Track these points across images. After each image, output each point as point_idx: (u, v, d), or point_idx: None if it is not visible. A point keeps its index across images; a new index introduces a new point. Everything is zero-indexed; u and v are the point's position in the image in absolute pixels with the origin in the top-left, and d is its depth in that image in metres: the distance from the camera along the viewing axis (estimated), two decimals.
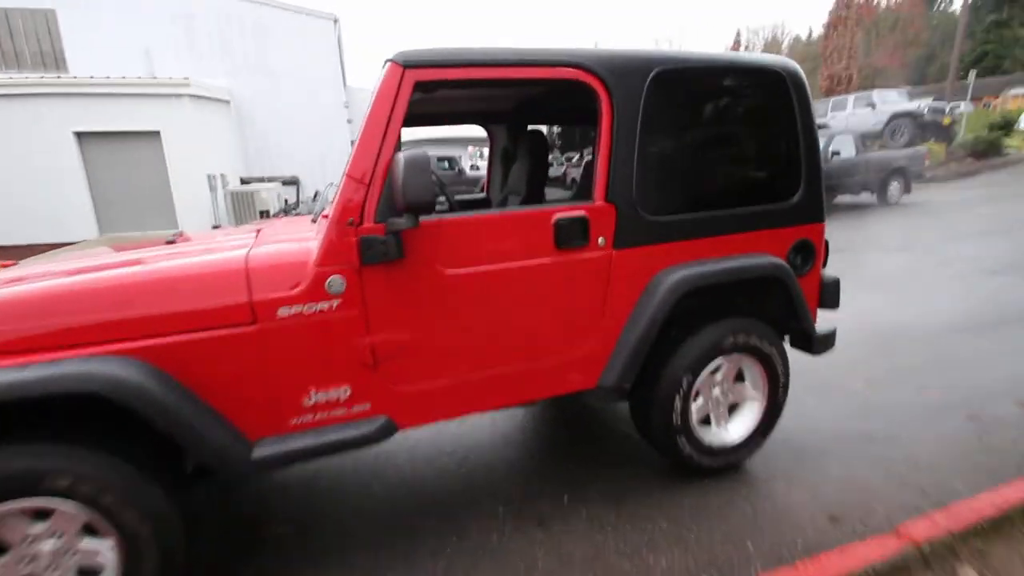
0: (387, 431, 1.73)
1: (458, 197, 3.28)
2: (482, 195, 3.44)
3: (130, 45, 12.97)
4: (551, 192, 3.11)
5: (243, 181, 13.27)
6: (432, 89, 1.75)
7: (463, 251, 1.73)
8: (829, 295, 2.40)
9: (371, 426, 1.70)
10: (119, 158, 11.66)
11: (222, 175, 12.29)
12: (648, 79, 1.88)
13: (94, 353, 1.41)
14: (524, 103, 2.91)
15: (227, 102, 13.71)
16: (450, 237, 1.71)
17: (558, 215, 1.82)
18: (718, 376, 2.19)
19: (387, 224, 1.59)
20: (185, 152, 11.67)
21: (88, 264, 1.75)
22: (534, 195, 2.84)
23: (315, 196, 6.82)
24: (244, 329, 1.54)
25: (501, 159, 3.29)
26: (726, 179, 2.14)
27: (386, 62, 1.64)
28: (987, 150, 14.91)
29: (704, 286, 1.98)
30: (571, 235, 1.85)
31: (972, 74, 20.92)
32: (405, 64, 1.61)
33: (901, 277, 5.38)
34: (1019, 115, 18.01)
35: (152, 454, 1.56)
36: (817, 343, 2.36)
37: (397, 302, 1.68)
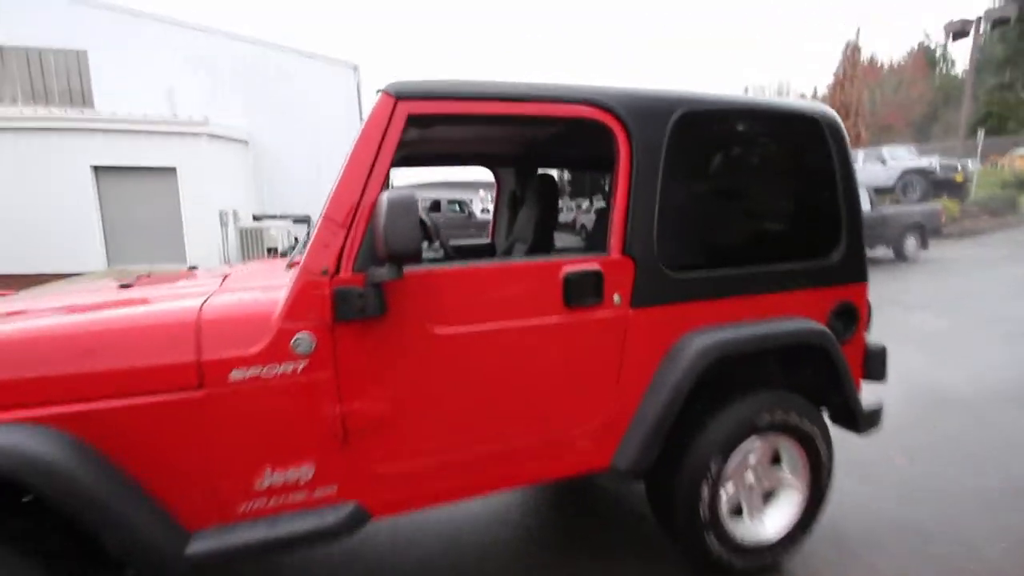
0: (356, 521, 1.43)
1: (459, 242, 3.08)
2: (487, 241, 3.23)
3: (155, 85, 13.37)
4: (560, 238, 2.90)
5: (255, 218, 13.33)
6: (428, 124, 1.56)
7: (457, 307, 1.49)
8: (875, 365, 2.11)
9: (337, 515, 1.41)
10: (134, 192, 11.81)
11: (234, 211, 12.38)
12: (672, 121, 1.68)
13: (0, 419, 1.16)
14: (534, 145, 2.74)
15: (245, 142, 13.99)
16: (442, 290, 1.47)
17: (568, 268, 1.58)
18: (751, 458, 1.88)
19: (367, 274, 1.35)
20: (199, 188, 11.79)
21: (38, 305, 1.52)
22: (542, 243, 2.62)
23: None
24: (188, 394, 1.29)
25: (508, 204, 3.10)
26: (758, 233, 1.91)
27: (378, 92, 1.45)
28: (1002, 208, 14.76)
29: (736, 354, 1.71)
30: (583, 291, 1.60)
31: (981, 133, 21.06)
32: (398, 95, 1.42)
33: (932, 338, 5.05)
34: None
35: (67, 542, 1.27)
36: (862, 420, 2.06)
37: (376, 365, 1.42)
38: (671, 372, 1.69)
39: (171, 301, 1.44)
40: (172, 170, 11.70)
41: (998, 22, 16.58)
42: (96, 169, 11.43)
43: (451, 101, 1.47)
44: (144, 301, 1.49)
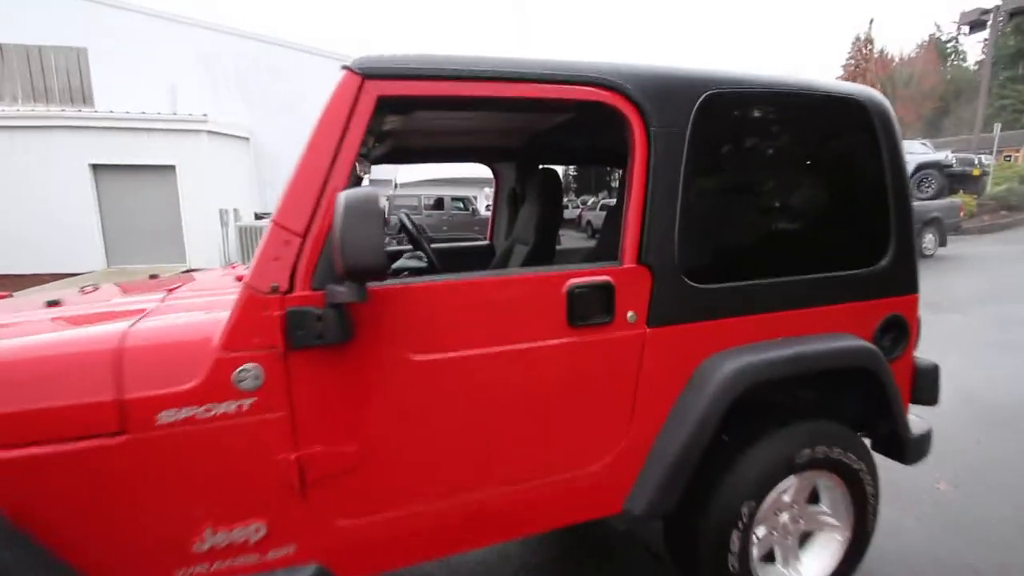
0: None
1: (453, 244, 2.82)
2: (485, 242, 2.98)
3: (156, 83, 13.18)
4: (565, 236, 2.63)
5: (257, 216, 13.14)
6: (405, 109, 1.31)
7: (440, 329, 1.24)
8: (926, 386, 1.85)
9: None
10: (133, 190, 11.65)
11: (235, 210, 12.18)
12: (697, 105, 1.42)
13: None
14: (534, 136, 2.48)
15: (246, 139, 13.78)
16: (422, 309, 1.22)
17: (573, 281, 1.33)
18: (786, 497, 1.62)
19: (326, 292, 1.10)
20: (199, 186, 11.61)
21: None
22: (545, 244, 2.36)
23: None
24: (106, 441, 1.05)
25: (508, 202, 2.85)
26: (796, 237, 1.64)
27: (342, 69, 1.20)
28: (1021, 203, 14.34)
29: (773, 379, 1.46)
30: (590, 308, 1.35)
31: (997, 127, 20.53)
32: (365, 73, 1.17)
33: (959, 342, 4.74)
34: None
35: None
36: (911, 449, 1.79)
37: (340, 401, 1.18)
38: (695, 402, 1.44)
39: (93, 325, 1.20)
40: (171, 168, 11.52)
41: (1016, 12, 16.04)
42: (94, 167, 11.28)
43: (430, 81, 1.21)
44: (62, 324, 1.25)
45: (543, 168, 2.50)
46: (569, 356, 1.35)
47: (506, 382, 1.30)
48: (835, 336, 1.61)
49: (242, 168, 13.55)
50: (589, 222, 18.34)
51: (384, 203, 15.64)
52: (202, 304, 1.34)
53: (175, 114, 12.11)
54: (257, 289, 1.10)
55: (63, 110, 11.73)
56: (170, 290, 1.58)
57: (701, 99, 1.42)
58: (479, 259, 2.80)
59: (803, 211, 1.66)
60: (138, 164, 11.40)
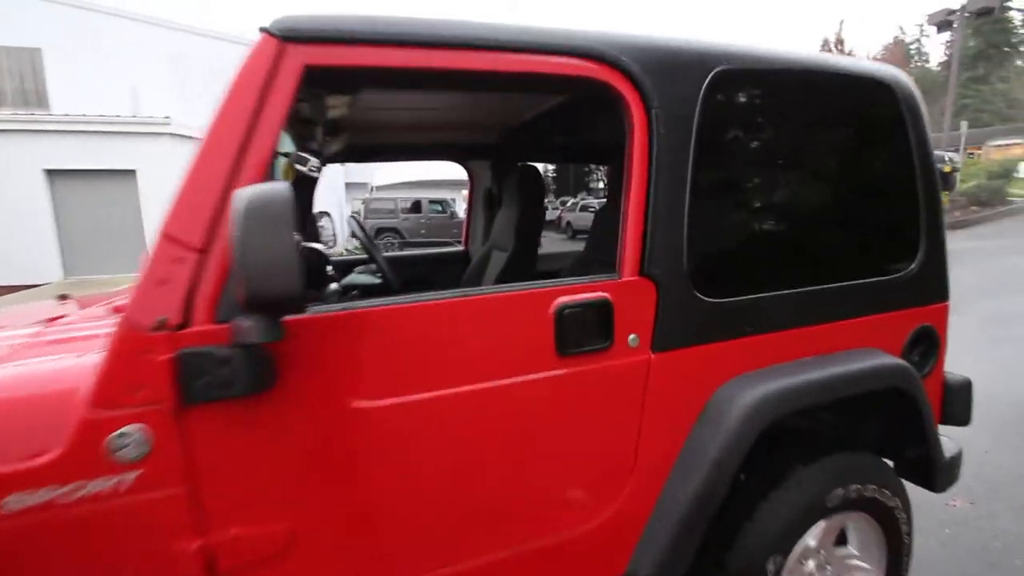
0: None
1: (421, 253, 2.55)
2: (459, 249, 2.71)
3: (115, 84, 12.57)
4: (544, 240, 2.37)
5: None
6: (346, 84, 1.04)
7: (392, 366, 0.97)
8: (958, 405, 1.64)
9: None
10: (91, 197, 11.07)
11: None
12: (706, 83, 1.18)
13: None
14: (512, 129, 2.22)
15: None
16: (369, 342, 0.95)
17: (562, 300, 1.07)
18: (812, 541, 1.39)
19: (233, 328, 0.82)
20: (162, 192, 11.04)
21: None
22: (525, 251, 2.11)
23: None
24: None
25: (484, 204, 2.58)
26: (821, 239, 1.41)
27: (260, 31, 0.92)
28: (991, 198, 14.65)
29: (804, 409, 1.22)
30: (584, 332, 1.09)
31: (964, 125, 21.03)
32: (286, 36, 0.89)
33: (956, 341, 4.62)
34: (1017, 163, 17.92)
35: None
36: (942, 475, 1.58)
37: (261, 467, 0.90)
38: (710, 439, 1.19)
39: None
40: (132, 173, 10.96)
41: (981, 12, 16.40)
42: (49, 173, 10.66)
43: (373, 47, 0.94)
44: None
45: (522, 165, 2.24)
46: (558, 392, 1.09)
47: (479, 429, 1.04)
48: (865, 353, 1.38)
49: None
50: (569, 223, 18.18)
51: (360, 207, 15.22)
52: (85, 339, 1.04)
53: (135, 117, 11.54)
54: (137, 325, 0.81)
55: (15, 113, 11.06)
56: (51, 320, 1.26)
57: (711, 76, 1.18)
58: (453, 267, 2.53)
59: (828, 209, 1.43)
60: (96, 169, 10.82)
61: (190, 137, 11.93)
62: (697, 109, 1.16)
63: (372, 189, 18.09)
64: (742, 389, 1.22)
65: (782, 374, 1.25)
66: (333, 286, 1.38)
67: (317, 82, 0.94)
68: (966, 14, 16.20)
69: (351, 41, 0.92)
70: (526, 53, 1.04)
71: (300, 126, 1.68)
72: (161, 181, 11.01)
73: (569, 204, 18.80)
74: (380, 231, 14.20)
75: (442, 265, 2.55)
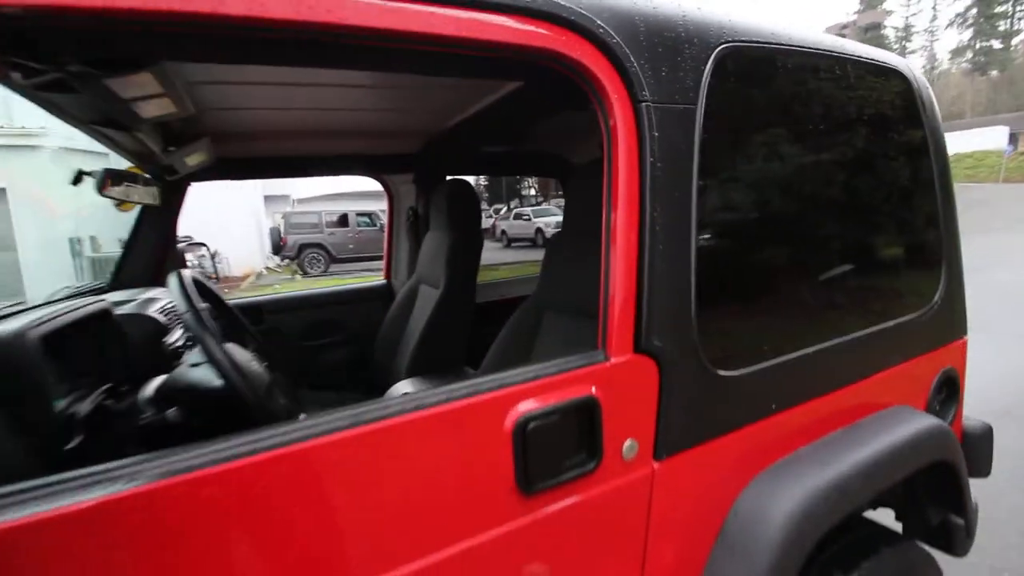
0: None
1: (335, 290, 2.05)
2: (381, 282, 2.23)
3: None
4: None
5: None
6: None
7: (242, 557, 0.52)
8: (980, 456, 1.40)
9: None
10: None
11: (92, 237, 10.25)
12: (709, 64, 0.82)
13: None
14: (438, 135, 1.80)
15: (107, 155, 11.74)
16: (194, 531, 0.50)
17: (524, 408, 0.66)
18: None
19: None
20: (40, 212, 9.61)
21: None
22: (461, 288, 1.69)
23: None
24: None
25: (408, 227, 2.13)
26: (857, 272, 1.09)
27: None
28: None
29: (859, 509, 0.90)
30: (557, 452, 0.69)
31: None
32: None
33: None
34: None
35: None
36: (965, 538, 1.33)
37: None
38: (736, 571, 0.83)
39: None
40: (0, 191, 9.44)
41: (870, 27, 18.04)
42: None
43: None
44: None
45: (451, 180, 1.82)
46: (524, 551, 0.68)
47: None
48: (899, 415, 1.08)
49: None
50: (504, 231, 17.71)
51: (280, 222, 14.06)
52: None
53: (3, 127, 9.96)
54: None
55: None
56: None
57: (716, 53, 0.82)
58: (372, 306, 2.05)
59: (860, 233, 1.11)
60: None
61: (82, 150, 10.46)
62: (701, 99, 0.80)
63: (294, 203, 16.92)
64: (773, 493, 0.87)
65: (814, 462, 0.92)
66: (152, 386, 0.87)
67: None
68: (857, 26, 17.71)
69: None
70: (448, 7, 0.63)
71: (129, 130, 1.18)
72: (39, 199, 9.58)
73: (503, 212, 18.45)
74: (304, 247, 13.21)
75: (358, 305, 2.06)
